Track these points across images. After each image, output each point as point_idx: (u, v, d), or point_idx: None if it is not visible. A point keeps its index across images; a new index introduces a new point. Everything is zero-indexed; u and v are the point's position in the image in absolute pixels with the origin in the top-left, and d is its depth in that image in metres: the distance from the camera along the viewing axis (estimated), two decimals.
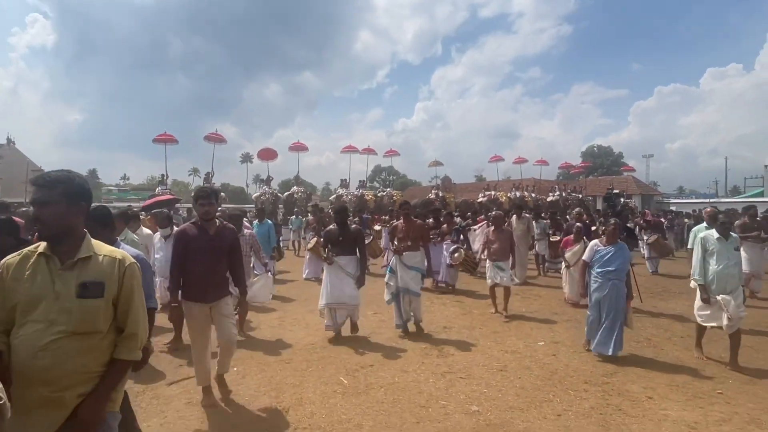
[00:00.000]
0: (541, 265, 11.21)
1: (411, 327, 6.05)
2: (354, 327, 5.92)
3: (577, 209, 8.49)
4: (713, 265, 4.87)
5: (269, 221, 8.66)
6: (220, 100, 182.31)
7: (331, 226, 5.90)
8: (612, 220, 5.29)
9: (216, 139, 21.65)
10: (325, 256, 5.84)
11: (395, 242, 6.22)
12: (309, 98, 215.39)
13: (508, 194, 24.50)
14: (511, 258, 7.17)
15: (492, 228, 7.36)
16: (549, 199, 25.20)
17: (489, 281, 7.16)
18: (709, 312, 4.92)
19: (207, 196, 3.73)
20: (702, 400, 4.01)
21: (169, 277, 3.87)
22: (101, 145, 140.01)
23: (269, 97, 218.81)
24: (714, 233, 4.98)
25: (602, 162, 61.96)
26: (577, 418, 3.69)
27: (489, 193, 24.75)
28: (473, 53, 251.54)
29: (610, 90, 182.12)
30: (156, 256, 5.64)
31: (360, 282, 5.64)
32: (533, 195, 25.26)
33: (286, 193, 21.25)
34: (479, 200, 22.31)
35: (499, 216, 7.51)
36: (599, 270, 5.11)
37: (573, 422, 3.61)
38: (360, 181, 25.25)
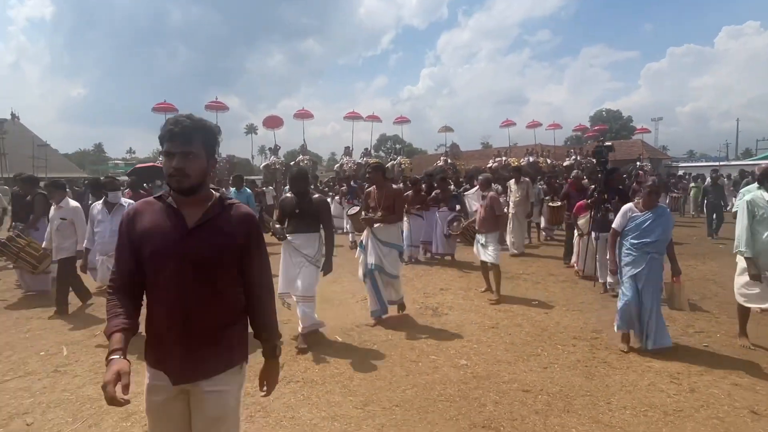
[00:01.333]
0: (536, 233, 10.97)
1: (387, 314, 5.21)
2: (303, 337, 4.38)
3: (575, 172, 8.10)
4: (763, 235, 3.99)
5: (248, 190, 8.14)
6: (223, 71, 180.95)
7: (286, 195, 4.68)
8: (651, 180, 4.63)
9: (217, 107, 21.35)
10: (272, 231, 4.55)
11: (365, 212, 5.38)
12: (313, 67, 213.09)
13: (521, 160, 23.81)
14: (498, 230, 5.95)
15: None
16: (565, 163, 24.51)
17: (478, 255, 6.20)
18: (757, 291, 4.06)
19: (178, 134, 1.59)
20: (687, 353, 4.09)
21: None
22: (106, 119, 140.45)
23: (273, 67, 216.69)
24: (764, 195, 4.08)
25: (611, 126, 60.80)
26: (563, 369, 3.80)
27: (500, 159, 23.92)
28: (480, 16, 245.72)
29: (620, 52, 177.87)
30: (97, 229, 4.79)
31: (326, 267, 4.44)
32: (549, 161, 24.43)
33: (291, 163, 21.16)
34: (489, 166, 21.80)
35: (485, 179, 6.42)
36: (634, 241, 4.15)
37: (558, 374, 3.72)
38: (365, 149, 24.93)
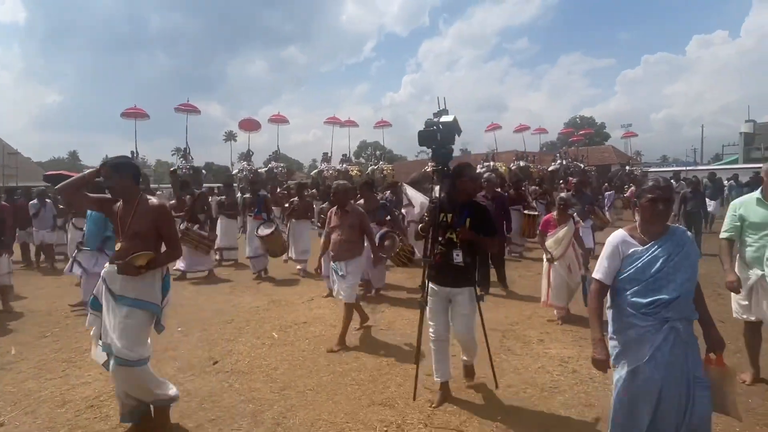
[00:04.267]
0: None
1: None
2: None
3: (487, 174, 6.73)
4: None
5: None
6: (204, 78, 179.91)
7: None
8: (653, 182, 2.30)
9: (188, 109, 20.26)
10: None
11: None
12: (295, 74, 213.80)
13: (510, 165, 23.67)
14: (356, 258, 4.69)
15: (334, 208, 4.92)
16: (550, 168, 24.48)
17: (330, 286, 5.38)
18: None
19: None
20: (585, 342, 4.55)
21: None
22: (81, 126, 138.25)
23: (254, 74, 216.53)
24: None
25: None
26: None
27: (488, 164, 23.64)
28: (461, 25, 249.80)
29: (597, 59, 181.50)
30: None
31: None
32: (531, 165, 24.06)
33: (263, 169, 21.05)
34: (477, 172, 21.75)
35: (340, 190, 4.82)
36: (638, 300, 2.23)
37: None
38: (343, 155, 24.92)
